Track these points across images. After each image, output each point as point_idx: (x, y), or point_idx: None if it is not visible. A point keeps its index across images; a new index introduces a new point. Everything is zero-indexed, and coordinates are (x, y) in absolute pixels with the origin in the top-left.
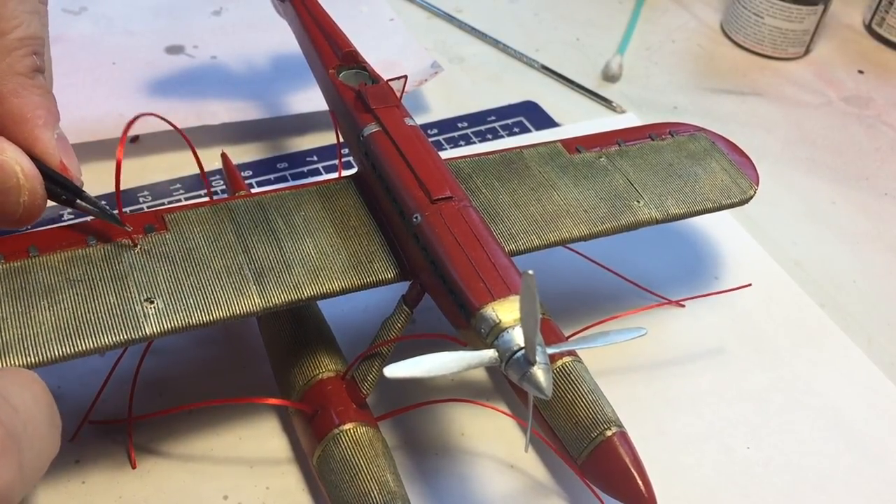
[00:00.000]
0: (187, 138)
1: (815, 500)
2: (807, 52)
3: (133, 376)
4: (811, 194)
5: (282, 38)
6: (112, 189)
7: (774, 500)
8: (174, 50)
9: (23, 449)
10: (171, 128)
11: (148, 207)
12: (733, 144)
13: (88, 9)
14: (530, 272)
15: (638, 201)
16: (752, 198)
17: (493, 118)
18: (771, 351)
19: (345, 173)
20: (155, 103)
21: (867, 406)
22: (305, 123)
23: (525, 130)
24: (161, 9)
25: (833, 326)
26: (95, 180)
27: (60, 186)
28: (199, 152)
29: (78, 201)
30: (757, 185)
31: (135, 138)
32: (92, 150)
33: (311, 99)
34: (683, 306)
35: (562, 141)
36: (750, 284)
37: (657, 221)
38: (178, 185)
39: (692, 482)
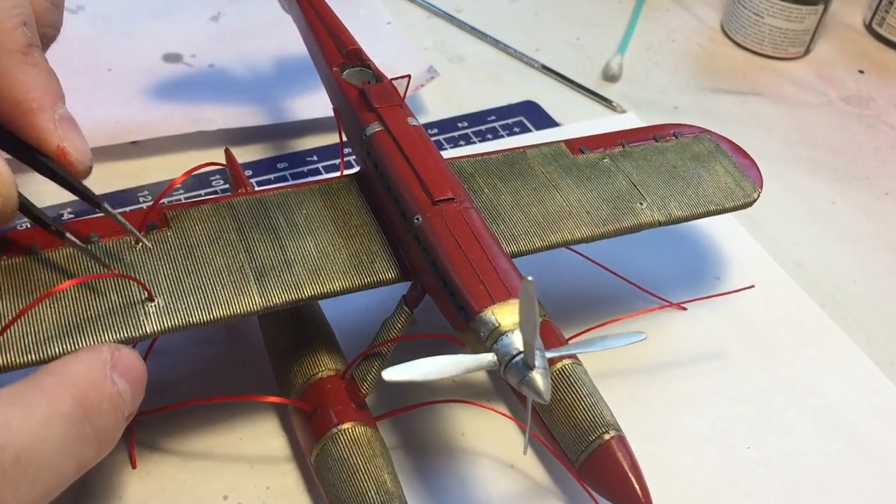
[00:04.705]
0: None
1: (815, 500)
2: (807, 51)
3: None
4: (811, 194)
5: (280, 44)
6: (110, 189)
7: (774, 500)
8: (172, 58)
9: (15, 488)
10: (168, 133)
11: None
12: (738, 147)
13: (86, 7)
14: (529, 278)
15: (641, 203)
16: (755, 201)
17: (493, 118)
18: (771, 351)
19: (346, 173)
20: (152, 109)
21: (867, 406)
22: (305, 126)
23: (525, 130)
24: (157, 9)
25: (833, 326)
26: (91, 185)
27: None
28: (198, 153)
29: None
30: (761, 188)
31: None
32: None
33: (308, 105)
34: (685, 309)
35: (565, 141)
36: (753, 286)
37: (660, 224)
38: (179, 186)
39: (692, 482)
